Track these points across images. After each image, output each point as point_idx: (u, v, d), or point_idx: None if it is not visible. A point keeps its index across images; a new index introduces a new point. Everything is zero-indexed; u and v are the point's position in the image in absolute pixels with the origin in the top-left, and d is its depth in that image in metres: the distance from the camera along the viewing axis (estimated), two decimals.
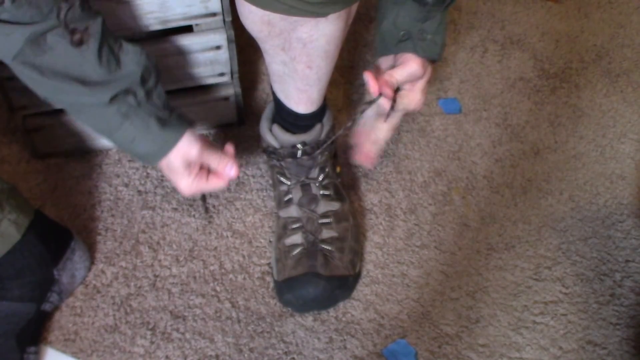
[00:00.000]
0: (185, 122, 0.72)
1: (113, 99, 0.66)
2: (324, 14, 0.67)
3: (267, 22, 0.69)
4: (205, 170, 0.75)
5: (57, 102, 0.68)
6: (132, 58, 0.67)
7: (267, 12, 0.67)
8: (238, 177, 0.79)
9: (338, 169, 0.94)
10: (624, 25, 1.28)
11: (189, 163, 0.72)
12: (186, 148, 0.71)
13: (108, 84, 0.65)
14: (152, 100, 0.69)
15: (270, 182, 0.97)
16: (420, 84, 0.80)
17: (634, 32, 1.27)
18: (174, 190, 0.97)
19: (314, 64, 0.74)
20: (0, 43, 0.61)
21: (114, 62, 0.65)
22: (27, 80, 0.65)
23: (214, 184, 0.77)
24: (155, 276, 0.89)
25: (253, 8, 0.68)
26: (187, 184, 0.74)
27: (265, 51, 0.76)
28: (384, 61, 0.82)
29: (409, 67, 0.77)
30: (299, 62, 0.74)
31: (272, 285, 0.88)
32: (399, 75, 0.77)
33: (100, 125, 0.69)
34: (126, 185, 0.97)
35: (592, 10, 1.31)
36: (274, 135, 0.87)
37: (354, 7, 0.71)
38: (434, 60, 0.79)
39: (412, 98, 0.80)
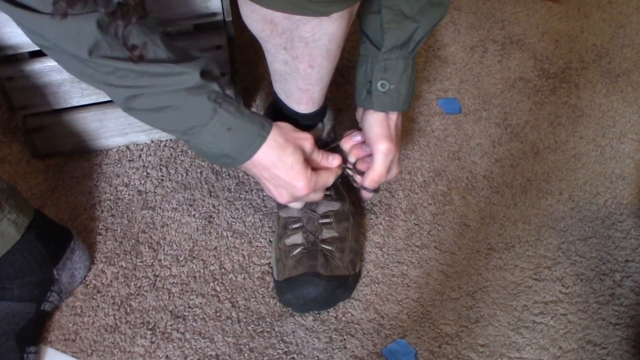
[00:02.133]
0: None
1: (203, 75, 0.62)
2: (326, 13, 0.67)
3: (270, 21, 0.69)
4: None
5: (143, 99, 0.63)
6: (189, 50, 0.65)
7: (270, 11, 0.67)
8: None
9: None
10: (624, 25, 1.28)
11: (305, 156, 0.70)
12: (295, 129, 0.69)
13: (190, 61, 0.62)
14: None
15: None
16: (382, 154, 0.78)
17: (634, 32, 1.27)
18: (174, 190, 0.97)
19: (316, 63, 0.74)
20: (74, 38, 0.57)
21: (180, 50, 0.63)
22: (112, 74, 0.60)
23: (326, 177, 0.74)
24: (155, 276, 0.89)
25: (256, 7, 0.68)
26: (307, 180, 0.70)
27: (267, 50, 0.76)
28: (357, 114, 0.83)
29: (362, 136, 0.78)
30: (301, 61, 0.74)
31: (272, 285, 0.88)
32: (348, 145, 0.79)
33: (188, 119, 0.64)
34: (126, 185, 0.97)
35: (592, 10, 1.31)
36: None
37: (356, 7, 0.71)
38: (401, 111, 0.79)
39: (374, 170, 0.79)
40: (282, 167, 0.69)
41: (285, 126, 0.71)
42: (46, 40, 0.60)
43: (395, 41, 0.73)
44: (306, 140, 0.71)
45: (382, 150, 0.77)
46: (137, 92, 0.62)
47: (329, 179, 0.75)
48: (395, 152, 0.79)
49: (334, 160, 0.75)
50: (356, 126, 0.84)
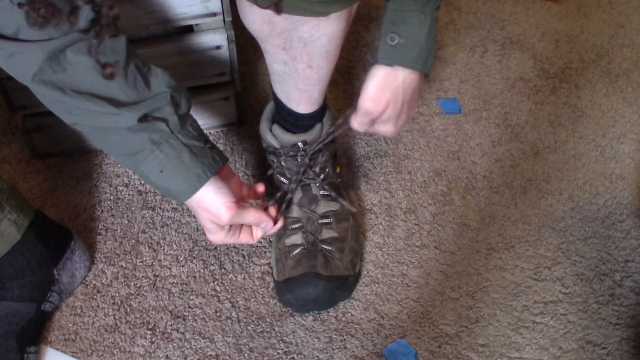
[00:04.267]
0: (220, 158, 0.69)
1: (142, 120, 0.62)
2: (325, 13, 0.67)
3: (268, 21, 0.69)
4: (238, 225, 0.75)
5: (81, 126, 0.63)
6: (160, 80, 0.63)
7: (268, 11, 0.67)
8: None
9: (338, 169, 0.94)
10: (624, 25, 1.28)
11: (217, 224, 0.71)
12: (215, 203, 0.68)
13: (136, 104, 0.61)
14: (186, 128, 0.65)
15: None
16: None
17: (634, 32, 1.27)
18: None
19: (315, 63, 0.74)
20: (19, 63, 0.58)
21: (142, 81, 0.62)
22: (49, 101, 0.61)
23: (244, 239, 0.77)
24: (155, 276, 0.89)
25: (254, 7, 0.68)
26: (218, 239, 0.73)
27: (265, 51, 0.76)
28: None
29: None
30: (299, 61, 0.74)
31: (272, 285, 0.88)
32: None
33: (127, 154, 0.64)
34: (126, 185, 0.98)
35: (592, 10, 1.31)
36: (274, 135, 0.87)
37: (355, 7, 0.71)
38: (423, 73, 0.69)
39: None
40: (199, 218, 0.72)
41: (214, 192, 0.68)
42: None
43: None
44: (221, 214, 0.69)
45: (361, 110, 0.70)
46: (79, 120, 0.63)
47: (248, 241, 0.78)
48: (383, 114, 0.70)
49: (267, 226, 0.77)
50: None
